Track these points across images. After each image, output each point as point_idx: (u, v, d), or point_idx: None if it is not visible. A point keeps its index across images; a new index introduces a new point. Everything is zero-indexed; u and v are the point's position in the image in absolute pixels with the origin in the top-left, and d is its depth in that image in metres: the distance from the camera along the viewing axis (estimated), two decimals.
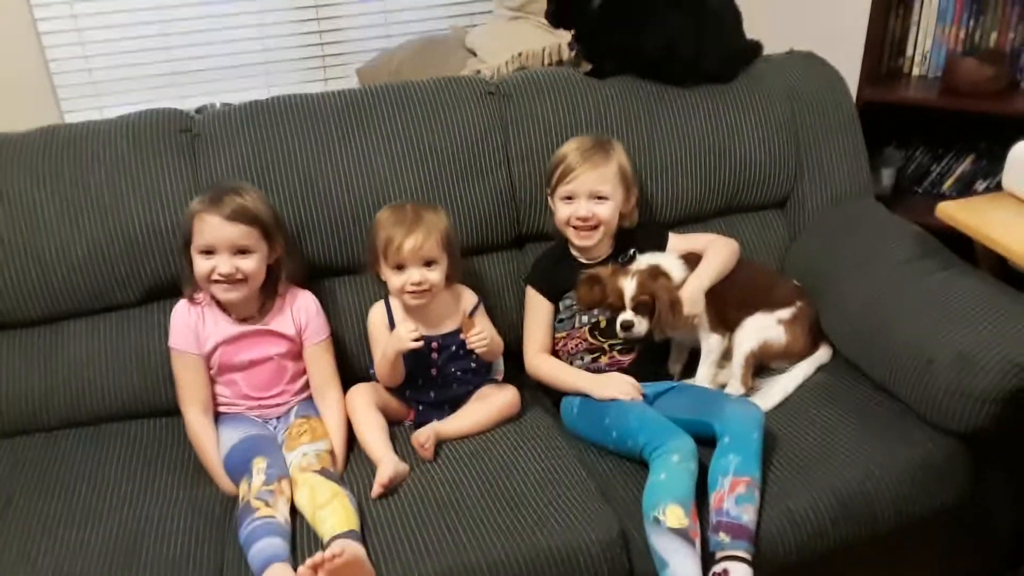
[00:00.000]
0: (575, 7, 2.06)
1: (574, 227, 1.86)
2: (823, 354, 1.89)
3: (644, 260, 1.86)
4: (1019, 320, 1.60)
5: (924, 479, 1.60)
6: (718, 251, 1.90)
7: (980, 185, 2.51)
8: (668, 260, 1.86)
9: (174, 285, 1.79)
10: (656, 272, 1.80)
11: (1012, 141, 1.83)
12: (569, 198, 1.85)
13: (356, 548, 1.40)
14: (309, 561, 1.36)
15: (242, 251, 1.66)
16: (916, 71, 2.54)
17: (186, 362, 1.71)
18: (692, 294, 1.80)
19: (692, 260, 1.88)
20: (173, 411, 1.77)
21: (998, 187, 1.86)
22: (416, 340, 1.68)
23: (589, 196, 1.84)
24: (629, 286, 1.76)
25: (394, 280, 1.74)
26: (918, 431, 1.64)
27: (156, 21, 2.78)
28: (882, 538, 1.60)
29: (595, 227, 1.85)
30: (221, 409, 1.75)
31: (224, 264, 1.65)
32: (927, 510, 1.61)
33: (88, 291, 1.83)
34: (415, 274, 1.71)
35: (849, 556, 1.60)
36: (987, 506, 1.73)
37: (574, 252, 1.92)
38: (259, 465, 1.56)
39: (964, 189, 2.53)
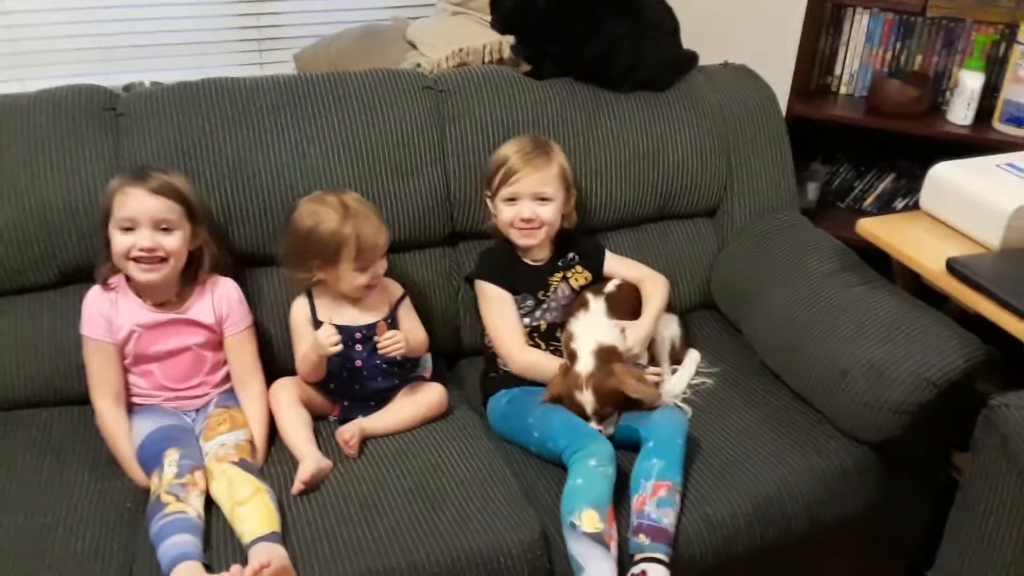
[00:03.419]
0: (519, 17, 2.07)
1: (518, 228, 1.86)
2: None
3: (583, 340, 1.73)
4: (930, 335, 1.66)
5: (836, 487, 1.65)
6: (657, 292, 1.90)
7: (899, 203, 2.60)
8: (601, 327, 1.77)
9: (91, 269, 1.72)
10: (606, 359, 1.69)
11: (932, 162, 1.89)
12: (512, 200, 1.85)
13: (282, 555, 1.37)
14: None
15: (165, 228, 1.61)
16: (844, 90, 2.62)
17: (98, 350, 1.64)
18: (637, 345, 1.80)
19: (625, 289, 1.89)
20: (86, 399, 1.70)
21: (916, 206, 1.93)
22: (335, 344, 1.66)
23: (532, 197, 1.84)
24: (588, 400, 1.66)
25: (360, 279, 1.71)
26: (832, 440, 1.70)
27: None
28: (796, 543, 1.64)
29: (539, 227, 1.85)
30: (135, 400, 1.68)
31: (145, 239, 1.58)
32: (839, 517, 1.67)
33: (0, 272, 1.75)
34: (380, 266, 1.74)
35: (764, 559, 1.64)
36: (897, 513, 1.79)
37: (518, 252, 1.92)
38: (171, 457, 1.51)
39: (884, 206, 2.62)
